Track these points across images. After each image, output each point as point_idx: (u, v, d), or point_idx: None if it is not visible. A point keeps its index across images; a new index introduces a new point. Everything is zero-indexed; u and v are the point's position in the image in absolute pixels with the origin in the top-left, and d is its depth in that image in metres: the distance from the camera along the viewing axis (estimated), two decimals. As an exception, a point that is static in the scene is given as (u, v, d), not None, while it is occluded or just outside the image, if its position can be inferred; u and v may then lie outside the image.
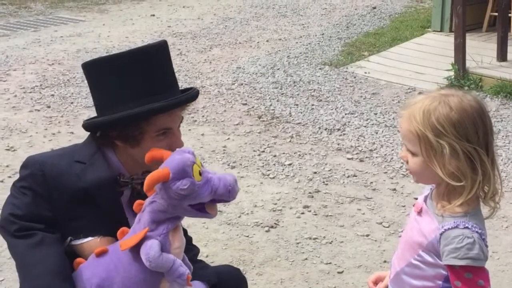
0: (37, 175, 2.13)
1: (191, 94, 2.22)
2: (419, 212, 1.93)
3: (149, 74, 2.15)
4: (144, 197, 2.09)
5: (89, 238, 2.16)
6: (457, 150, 1.78)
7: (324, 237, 3.98)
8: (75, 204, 2.13)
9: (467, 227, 1.79)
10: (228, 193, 2.01)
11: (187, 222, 4.03)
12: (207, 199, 2.01)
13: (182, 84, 6.26)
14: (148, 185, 1.97)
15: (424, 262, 1.88)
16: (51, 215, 2.13)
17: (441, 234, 1.82)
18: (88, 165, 2.16)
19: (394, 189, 4.57)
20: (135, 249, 2.02)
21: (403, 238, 1.98)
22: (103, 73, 2.16)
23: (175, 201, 2.00)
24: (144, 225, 2.04)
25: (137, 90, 2.13)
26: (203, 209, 2.04)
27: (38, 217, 2.12)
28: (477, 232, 1.80)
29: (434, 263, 1.86)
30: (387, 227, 4.09)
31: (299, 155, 5.07)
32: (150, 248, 1.98)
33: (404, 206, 4.34)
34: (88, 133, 2.27)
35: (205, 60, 7.38)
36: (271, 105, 6.09)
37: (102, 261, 2.09)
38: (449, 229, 1.80)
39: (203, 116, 5.80)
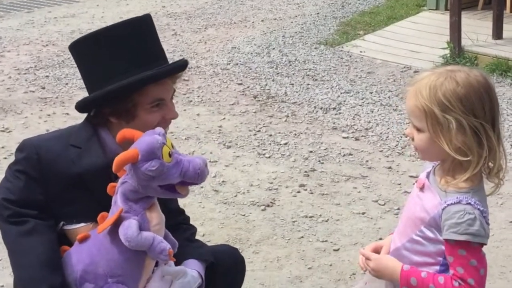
0: (32, 159, 2.12)
1: (180, 63, 2.21)
2: (422, 188, 1.94)
3: (136, 46, 2.13)
4: None
5: (82, 224, 2.15)
6: (464, 125, 1.79)
7: (320, 215, 4.00)
8: (69, 189, 2.13)
9: (469, 203, 1.81)
10: (197, 176, 2.01)
11: (183, 202, 4.04)
12: (176, 180, 2.01)
13: (177, 64, 6.23)
14: (116, 166, 1.97)
15: (425, 237, 1.90)
16: (45, 200, 2.12)
17: (443, 209, 1.83)
18: (84, 150, 2.15)
19: (390, 167, 4.58)
20: (115, 231, 2.03)
21: (405, 214, 2.00)
22: (90, 51, 2.14)
23: (145, 182, 2.00)
24: (118, 206, 2.04)
25: (126, 64, 2.11)
26: (173, 189, 2.04)
27: (32, 202, 2.11)
28: (478, 209, 1.81)
29: (435, 238, 1.88)
30: (383, 205, 4.11)
31: (295, 134, 5.08)
32: (128, 228, 1.99)
33: (399, 184, 4.35)
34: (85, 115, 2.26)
35: (200, 40, 7.35)
36: (266, 84, 6.09)
37: (85, 246, 2.10)
38: (451, 204, 1.82)
39: (198, 96, 5.79)
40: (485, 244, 1.84)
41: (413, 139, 1.90)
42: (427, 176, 1.95)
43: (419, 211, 1.91)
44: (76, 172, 2.12)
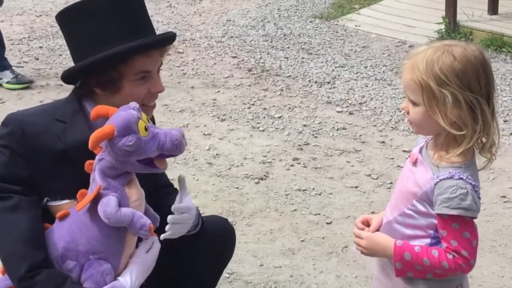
0: (17, 134, 2.10)
1: (168, 35, 2.19)
2: (414, 163, 1.95)
3: (124, 17, 2.11)
4: None
5: (66, 201, 2.14)
6: (460, 100, 1.80)
7: (313, 188, 4.02)
8: (54, 164, 2.11)
9: (461, 178, 1.83)
10: (175, 148, 2.01)
11: (177, 174, 4.04)
12: (154, 154, 2.01)
13: (172, 36, 6.20)
14: (92, 143, 1.96)
15: (417, 211, 1.92)
16: (29, 175, 2.10)
17: (435, 184, 1.85)
18: (69, 125, 2.13)
19: (383, 142, 4.60)
20: (95, 208, 2.02)
21: (397, 188, 2.01)
22: (77, 20, 2.12)
23: (122, 157, 1.99)
24: (97, 183, 2.04)
25: (113, 34, 2.09)
26: (151, 164, 2.03)
27: (16, 177, 2.10)
28: (470, 183, 1.83)
29: (427, 212, 1.90)
30: (376, 179, 4.13)
31: (289, 108, 5.08)
32: (107, 205, 1.99)
33: (392, 158, 4.38)
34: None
35: (195, 12, 7.31)
36: (261, 58, 6.07)
37: (65, 224, 2.10)
38: (443, 179, 1.84)
39: (192, 69, 5.78)
40: (476, 218, 1.86)
41: (408, 113, 1.91)
42: (420, 151, 1.97)
43: (411, 185, 1.93)
44: (61, 147, 2.10)
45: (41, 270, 2.02)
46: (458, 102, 1.80)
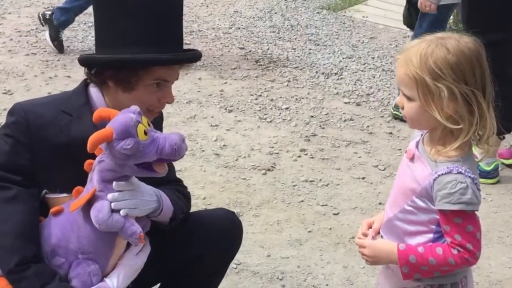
0: (21, 124, 2.10)
1: (197, 54, 2.20)
2: (411, 159, 1.93)
3: (160, 21, 2.10)
4: None
5: (64, 194, 2.14)
6: (455, 93, 1.78)
7: (320, 179, 4.02)
8: (56, 157, 2.10)
9: (460, 172, 1.81)
10: (174, 152, 2.00)
11: (184, 165, 4.07)
12: (153, 158, 2.00)
13: (179, 27, 6.19)
14: (91, 145, 1.95)
15: (417, 207, 1.90)
16: (30, 165, 2.10)
17: (434, 180, 1.83)
18: (74, 118, 2.12)
19: (390, 133, 4.60)
20: (88, 209, 2.02)
21: (396, 184, 2.00)
22: (114, 9, 2.10)
23: (121, 161, 1.99)
24: (94, 184, 2.04)
25: (144, 36, 2.08)
26: (150, 168, 2.03)
27: (17, 166, 2.09)
28: (469, 177, 1.82)
29: (427, 208, 1.88)
30: (383, 170, 4.13)
31: (296, 99, 5.08)
32: (99, 211, 1.99)
33: (400, 149, 4.37)
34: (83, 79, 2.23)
35: (202, 3, 7.30)
36: (268, 49, 6.07)
37: (58, 220, 2.09)
38: (442, 174, 1.82)
39: (200, 60, 5.77)
40: (478, 210, 1.86)
41: (403, 108, 1.89)
42: (417, 146, 1.95)
43: (410, 181, 1.91)
44: (64, 140, 2.10)
45: (30, 265, 2.02)
46: (454, 95, 1.78)
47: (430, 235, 1.90)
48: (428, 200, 1.87)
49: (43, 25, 5.81)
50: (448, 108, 1.79)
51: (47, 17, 5.75)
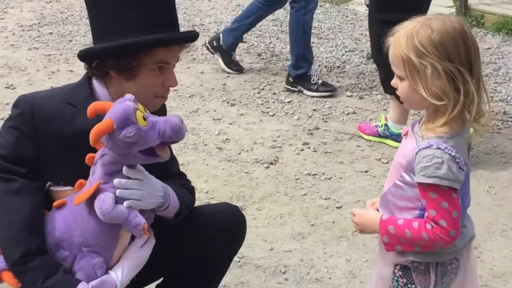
0: (26, 116, 2.10)
1: (192, 34, 2.21)
2: (405, 135, 2.02)
3: (154, 6, 2.11)
4: None
5: (68, 187, 2.14)
6: (439, 70, 1.84)
7: (323, 173, 4.02)
8: (61, 149, 2.10)
9: (439, 148, 1.86)
10: (176, 133, 2.01)
11: (187, 159, 4.07)
12: (156, 142, 2.00)
13: (181, 21, 6.19)
14: (93, 139, 1.95)
15: (405, 182, 1.96)
16: (35, 158, 2.10)
17: (416, 153, 1.89)
18: (79, 110, 2.12)
19: (393, 126, 4.58)
20: (92, 201, 2.02)
21: (393, 162, 2.07)
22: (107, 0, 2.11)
23: (125, 150, 1.99)
24: (97, 178, 2.03)
25: (140, 21, 2.09)
26: (153, 153, 2.03)
27: (22, 159, 2.09)
28: (449, 154, 1.85)
29: (412, 183, 1.93)
30: (386, 163, 4.13)
31: (299, 92, 5.07)
32: (103, 202, 1.98)
33: (403, 142, 4.36)
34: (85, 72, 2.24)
35: (204, -3, 7.29)
36: (270, 42, 6.06)
37: (61, 213, 2.09)
38: (422, 148, 1.88)
39: (202, 54, 5.77)
40: (457, 189, 1.88)
41: (397, 89, 1.97)
42: (414, 125, 2.01)
43: (399, 156, 1.99)
44: (69, 132, 2.10)
45: (35, 257, 2.02)
46: (438, 72, 1.84)
47: (417, 212, 1.95)
48: (412, 174, 1.93)
49: (213, 54, 5.46)
50: (433, 85, 1.85)
51: (215, 44, 5.39)
